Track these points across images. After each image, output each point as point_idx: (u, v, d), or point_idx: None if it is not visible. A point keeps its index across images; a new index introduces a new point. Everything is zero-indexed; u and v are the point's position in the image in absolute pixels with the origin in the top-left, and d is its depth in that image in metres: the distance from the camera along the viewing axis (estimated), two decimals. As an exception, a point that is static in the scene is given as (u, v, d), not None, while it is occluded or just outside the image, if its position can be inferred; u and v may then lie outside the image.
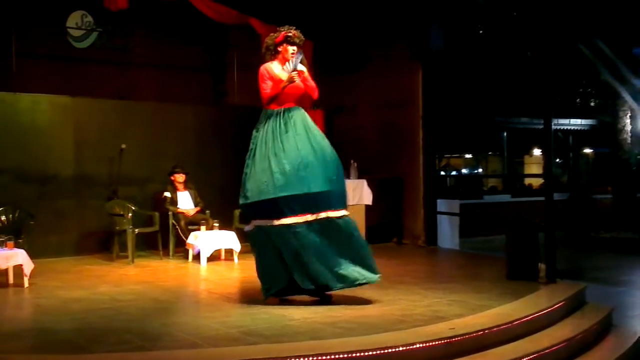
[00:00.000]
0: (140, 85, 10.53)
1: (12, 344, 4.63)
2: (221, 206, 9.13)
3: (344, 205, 5.70)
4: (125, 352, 4.38)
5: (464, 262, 8.73)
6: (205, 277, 7.63)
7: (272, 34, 5.93)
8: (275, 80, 5.74)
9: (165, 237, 8.73)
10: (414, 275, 7.46)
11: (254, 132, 5.84)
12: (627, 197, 12.62)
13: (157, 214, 8.76)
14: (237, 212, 9.03)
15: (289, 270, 5.64)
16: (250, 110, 10.23)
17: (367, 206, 9.64)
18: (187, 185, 9.09)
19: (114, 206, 8.81)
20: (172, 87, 10.68)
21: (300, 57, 5.79)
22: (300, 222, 5.50)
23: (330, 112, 10.91)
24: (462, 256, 9.29)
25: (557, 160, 17.63)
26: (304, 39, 5.91)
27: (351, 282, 5.67)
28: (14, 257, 6.65)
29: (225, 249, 8.53)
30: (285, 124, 5.67)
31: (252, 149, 5.76)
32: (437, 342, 4.54)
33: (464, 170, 22.47)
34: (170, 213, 8.74)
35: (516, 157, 19.38)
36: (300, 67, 5.80)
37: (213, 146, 9.91)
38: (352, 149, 10.45)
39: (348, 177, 9.67)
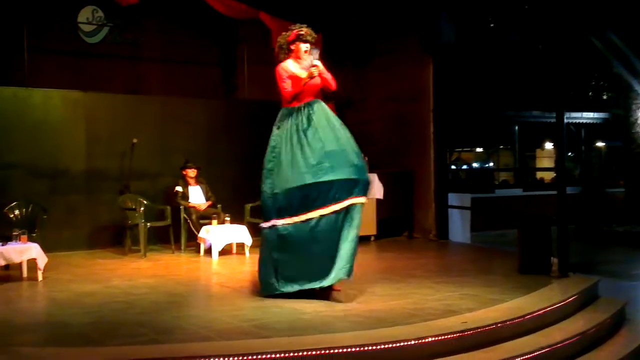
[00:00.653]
0: (151, 79, 10.55)
1: (26, 337, 4.67)
2: (232, 200, 9.15)
3: (365, 193, 5.77)
4: (138, 345, 4.41)
5: (475, 256, 8.70)
6: (216, 270, 7.66)
7: (284, 33, 6.00)
8: (294, 78, 5.81)
9: (177, 231, 8.76)
10: (425, 269, 7.45)
11: (274, 130, 5.90)
12: (640, 191, 12.53)
13: (168, 208, 8.80)
14: (248, 206, 9.05)
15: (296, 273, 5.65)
16: (261, 105, 10.31)
17: (378, 200, 9.64)
18: (198, 179, 9.12)
19: (126, 200, 8.85)
20: (183, 82, 10.69)
21: (317, 52, 5.87)
22: (327, 214, 5.54)
23: (341, 106, 10.89)
24: (473, 250, 9.26)
25: (569, 153, 17.52)
26: (315, 35, 5.97)
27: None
28: (28, 251, 6.70)
29: (236, 243, 8.55)
30: (308, 119, 5.75)
31: (274, 147, 5.82)
32: (449, 336, 4.53)
33: (475, 164, 22.37)
34: (181, 207, 8.77)
35: (528, 151, 19.27)
36: (315, 61, 5.86)
37: (223, 140, 9.93)
38: (362, 142, 10.30)
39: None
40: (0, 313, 4.72)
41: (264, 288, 5.81)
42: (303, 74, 5.82)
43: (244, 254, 8.37)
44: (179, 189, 8.92)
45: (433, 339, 4.46)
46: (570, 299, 5.78)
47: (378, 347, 4.28)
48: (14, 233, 6.81)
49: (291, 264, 5.65)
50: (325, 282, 5.57)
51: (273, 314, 5.19)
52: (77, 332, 4.78)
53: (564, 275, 6.68)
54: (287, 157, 5.69)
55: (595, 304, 6.17)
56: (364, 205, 5.74)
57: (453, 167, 18.24)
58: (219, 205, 8.97)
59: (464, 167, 21.16)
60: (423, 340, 4.42)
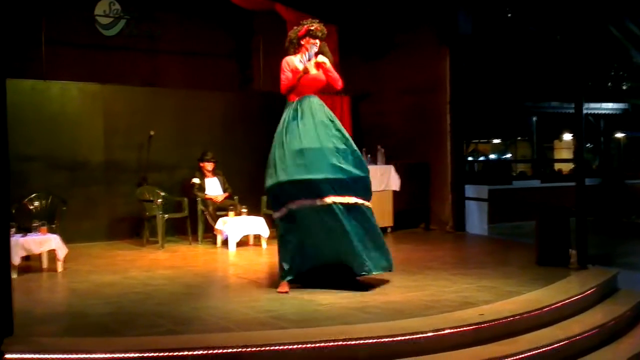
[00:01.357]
0: (168, 72, 10.60)
1: (46, 327, 4.73)
2: (249, 192, 9.17)
3: (353, 193, 5.66)
4: (156, 335, 4.44)
5: (492, 248, 8.66)
6: (233, 262, 7.69)
7: (295, 28, 6.01)
8: (295, 72, 5.81)
9: (194, 222, 8.81)
10: (442, 261, 7.43)
11: (280, 122, 5.91)
12: (660, 182, 12.38)
13: (186, 199, 8.85)
14: (264, 197, 9.06)
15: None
16: (276, 97, 10.24)
17: (394, 192, 9.63)
18: (215, 171, 9.15)
19: (143, 192, 8.91)
20: (199, 74, 10.73)
21: (315, 48, 5.83)
22: (307, 205, 5.56)
23: (357, 98, 10.87)
24: (490, 242, 9.22)
25: (588, 145, 17.35)
26: (326, 32, 5.96)
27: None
28: (48, 242, 6.78)
29: (253, 235, 8.58)
30: (295, 112, 5.76)
31: (277, 139, 5.84)
32: (466, 328, 4.52)
33: (492, 156, 22.25)
34: (198, 199, 8.81)
35: (546, 142, 19.13)
36: (322, 58, 5.85)
37: (240, 132, 9.95)
38: (379, 134, 10.43)
39: (375, 162, 9.67)
40: (20, 303, 4.77)
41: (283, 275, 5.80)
42: (303, 67, 5.82)
43: (260, 245, 8.40)
44: (196, 180, 8.96)
45: (450, 330, 4.45)
46: (589, 291, 5.73)
47: (395, 338, 4.28)
48: (34, 224, 6.89)
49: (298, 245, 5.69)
50: None
51: (290, 305, 5.20)
52: (96, 322, 4.83)
53: (582, 268, 6.63)
54: (276, 150, 5.73)
55: (614, 296, 6.12)
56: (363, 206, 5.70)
57: (470, 158, 18.16)
58: (235, 197, 9.00)
59: (481, 158, 21.05)
60: (440, 332, 4.41)
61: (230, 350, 4.00)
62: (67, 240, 7.10)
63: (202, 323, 4.74)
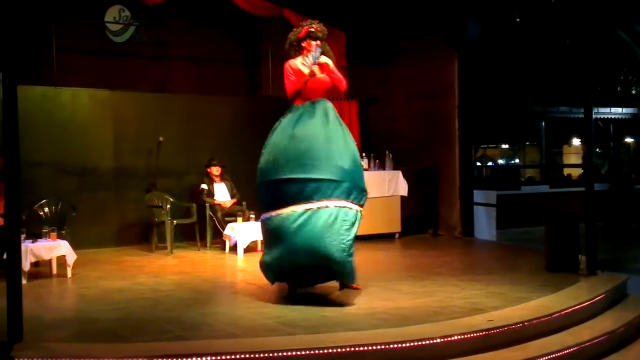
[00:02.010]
0: (177, 78, 10.65)
1: (55, 333, 4.75)
2: (257, 197, 9.17)
3: (354, 199, 5.46)
4: (165, 341, 4.45)
5: (501, 254, 8.63)
6: (242, 268, 7.70)
7: (294, 30, 5.89)
8: (299, 76, 5.71)
9: (202, 228, 8.84)
10: (450, 267, 7.42)
11: (276, 123, 5.79)
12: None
13: (194, 205, 8.87)
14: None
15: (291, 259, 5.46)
16: (284, 102, 10.26)
17: (402, 197, 9.62)
18: (223, 177, 9.18)
19: (152, 198, 8.95)
20: (208, 80, 10.77)
21: (320, 49, 5.72)
22: (299, 211, 5.34)
23: (365, 103, 10.88)
24: (499, 248, 9.19)
25: (597, 149, 17.27)
26: (327, 32, 5.85)
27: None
28: (57, 248, 6.82)
29: (261, 240, 8.56)
30: (306, 114, 5.62)
31: (268, 137, 5.75)
32: (475, 334, 4.51)
33: (500, 161, 22.19)
34: (207, 205, 8.84)
35: (554, 147, 19.06)
36: (325, 59, 5.76)
37: (248, 138, 9.93)
38: (387, 139, 10.42)
39: (383, 168, 9.67)
40: (30, 309, 4.80)
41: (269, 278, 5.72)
42: (307, 70, 5.70)
43: (269, 251, 8.40)
44: (204, 186, 8.99)
45: (459, 337, 4.44)
46: (599, 297, 5.71)
47: (404, 345, 4.27)
48: (44, 230, 6.92)
49: (280, 253, 5.47)
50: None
51: (299, 311, 5.20)
52: (105, 328, 4.85)
53: (592, 273, 6.60)
54: (274, 148, 5.59)
55: (624, 302, 6.09)
56: (357, 212, 5.44)
57: (478, 163, 18.12)
58: (244, 203, 9.02)
59: (490, 163, 21.00)
60: (449, 339, 4.40)
61: (238, 356, 4.00)
62: (76, 246, 7.15)
63: (211, 329, 4.75)
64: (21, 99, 4.38)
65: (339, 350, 4.14)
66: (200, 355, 3.99)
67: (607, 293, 5.87)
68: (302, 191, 5.36)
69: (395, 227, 9.58)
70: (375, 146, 10.12)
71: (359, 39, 10.45)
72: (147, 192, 9.07)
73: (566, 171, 17.94)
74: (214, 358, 3.98)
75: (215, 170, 9.10)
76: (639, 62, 12.39)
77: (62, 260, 6.87)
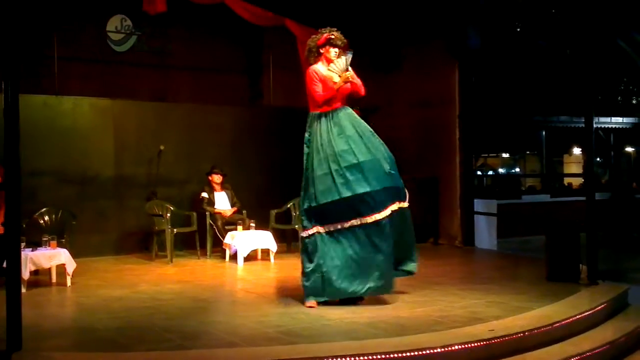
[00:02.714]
0: (178, 87, 10.67)
1: (54, 342, 4.74)
2: (258, 206, 9.20)
3: (405, 198, 5.86)
4: (164, 350, 4.44)
5: (502, 263, 8.61)
6: (242, 276, 7.69)
7: (314, 36, 5.96)
8: (325, 81, 5.75)
9: (202, 237, 8.83)
10: (451, 276, 7.40)
11: (306, 136, 5.85)
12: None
13: (194, 214, 8.87)
14: (273, 212, 9.09)
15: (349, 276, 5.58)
16: (286, 111, 10.36)
17: (403, 206, 9.59)
18: (223, 185, 9.18)
19: (153, 206, 8.95)
20: (209, 89, 10.78)
21: (350, 56, 5.84)
22: (369, 222, 5.54)
23: (367, 112, 10.88)
24: (500, 257, 9.17)
25: (598, 159, 17.27)
26: (345, 40, 5.94)
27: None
28: (57, 257, 6.81)
29: (261, 249, 8.58)
30: (337, 126, 5.69)
31: (308, 154, 5.79)
32: (476, 344, 4.50)
33: (501, 170, 22.18)
34: (207, 213, 8.83)
35: (555, 157, 19.05)
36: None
37: (249, 147, 9.99)
38: (388, 148, 10.40)
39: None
40: (29, 318, 4.79)
41: (310, 294, 5.69)
42: (335, 77, 5.77)
43: (269, 260, 8.40)
44: (204, 195, 8.99)
45: (459, 346, 4.43)
46: (599, 307, 5.69)
47: (404, 354, 4.26)
48: (44, 239, 6.92)
49: (335, 269, 5.57)
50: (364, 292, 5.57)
51: (299, 320, 5.19)
52: (104, 337, 4.84)
53: (592, 283, 6.59)
54: (320, 167, 5.64)
55: (625, 312, 6.08)
56: (408, 210, 5.85)
57: (479, 172, 18.10)
58: (244, 211, 9.02)
59: (490, 172, 20.99)
60: (449, 348, 4.39)
61: (238, 366, 3.99)
62: (76, 254, 7.14)
63: (210, 338, 4.74)
64: (22, 108, 4.38)
65: (340, 359, 4.12)
66: (200, 365, 3.98)
67: (608, 303, 5.85)
68: (362, 204, 5.55)
69: (396, 236, 9.55)
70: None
71: (361, 47, 10.47)
72: (148, 200, 9.07)
73: (567, 180, 17.93)
74: (213, 367, 3.97)
75: (217, 178, 9.11)
76: (639, 71, 12.40)
77: (61, 268, 6.87)
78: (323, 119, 5.74)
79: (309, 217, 5.71)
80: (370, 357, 4.17)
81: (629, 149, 18.60)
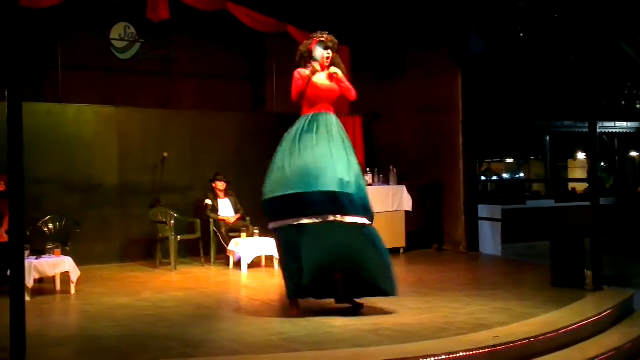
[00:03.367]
0: (182, 94, 10.69)
1: (58, 350, 4.73)
2: (261, 213, 9.10)
3: (360, 213, 5.51)
4: (168, 358, 4.43)
5: (506, 269, 8.58)
6: (246, 283, 7.68)
7: (305, 42, 5.94)
8: (305, 80, 5.69)
9: (206, 244, 8.83)
10: (455, 282, 7.37)
11: (285, 134, 5.80)
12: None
13: (198, 221, 8.87)
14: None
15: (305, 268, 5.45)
16: (289, 117, 10.27)
17: (407, 212, 9.60)
18: (227, 192, 9.18)
19: (156, 214, 8.95)
20: (212, 96, 10.81)
21: (322, 45, 5.72)
22: (311, 223, 5.42)
23: (369, 118, 10.89)
24: (504, 263, 9.14)
25: (602, 164, 17.23)
26: (337, 42, 5.86)
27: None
28: (61, 265, 6.81)
29: (265, 256, 8.57)
30: (309, 125, 5.62)
31: (277, 148, 5.77)
32: (480, 351, 4.47)
33: (505, 175, 22.15)
34: (211, 220, 8.83)
35: (559, 162, 19.01)
36: (334, 69, 5.77)
37: (253, 153, 9.97)
38: (391, 154, 10.43)
39: (387, 182, 9.66)
40: (33, 326, 4.79)
41: (288, 290, 5.67)
42: (318, 79, 5.70)
43: (273, 266, 8.38)
44: (208, 202, 8.99)
45: (464, 353, 4.40)
46: (605, 313, 5.66)
47: (408, 361, 4.24)
48: (48, 247, 6.92)
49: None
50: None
51: (302, 327, 5.18)
52: (108, 345, 4.83)
53: (598, 289, 6.55)
54: (279, 160, 5.64)
55: (631, 318, 6.04)
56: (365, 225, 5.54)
57: (483, 178, 18.08)
58: (248, 218, 9.01)
59: (494, 178, 20.95)
60: (454, 355, 4.36)
61: (242, 374, 3.98)
62: (80, 262, 7.14)
63: (214, 346, 4.72)
64: (26, 116, 4.39)
65: (343, 367, 4.11)
66: (204, 373, 3.97)
67: (613, 309, 5.82)
68: (314, 204, 5.39)
69: (400, 242, 9.55)
70: (379, 161, 10.12)
71: (363, 53, 10.48)
72: (152, 207, 9.07)
73: (571, 185, 17.89)
74: (217, 375, 3.96)
75: (221, 185, 9.11)
76: (643, 76, 12.38)
77: (65, 276, 6.86)
78: (305, 119, 5.69)
79: (265, 210, 5.72)
80: (374, 365, 4.16)
81: (634, 154, 18.57)
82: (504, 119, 13.51)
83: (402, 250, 9.59)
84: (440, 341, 4.69)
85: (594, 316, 5.49)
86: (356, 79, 10.31)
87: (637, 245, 11.19)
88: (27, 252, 6.42)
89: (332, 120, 5.70)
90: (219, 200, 9.08)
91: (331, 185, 5.39)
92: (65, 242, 7.60)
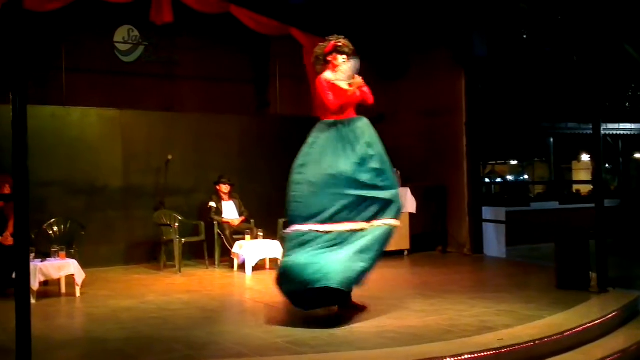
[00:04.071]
0: (185, 96, 10.71)
1: (64, 353, 4.75)
2: (265, 215, 9.19)
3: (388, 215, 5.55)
4: (173, 361, 4.44)
5: (511, 271, 8.57)
6: (250, 286, 7.68)
7: (320, 44, 5.94)
8: (335, 89, 5.71)
9: (211, 246, 8.83)
10: (460, 285, 7.37)
11: (310, 139, 5.75)
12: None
13: (202, 223, 8.88)
14: (281, 221, 9.04)
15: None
16: (292, 120, 10.37)
17: (411, 215, 9.58)
18: (231, 195, 9.19)
19: (161, 216, 8.96)
20: (216, 98, 10.82)
21: (357, 62, 5.80)
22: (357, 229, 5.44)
23: (373, 120, 10.87)
24: (509, 265, 9.12)
25: (607, 165, 17.19)
26: (353, 47, 5.90)
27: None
28: (66, 267, 6.82)
29: (270, 258, 8.57)
30: (354, 133, 5.67)
31: (308, 153, 5.68)
32: (485, 353, 4.46)
33: (509, 177, 22.12)
34: (215, 223, 8.84)
35: (563, 163, 18.99)
36: (358, 78, 5.83)
37: (257, 156, 10.00)
38: (394, 156, 10.25)
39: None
40: (38, 329, 4.80)
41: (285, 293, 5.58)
42: (343, 84, 5.72)
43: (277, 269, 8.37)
44: (212, 204, 8.99)
45: (469, 356, 4.40)
46: (610, 315, 5.65)
47: (413, 364, 4.23)
48: (53, 249, 6.94)
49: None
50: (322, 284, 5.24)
51: (307, 330, 5.17)
52: (113, 347, 4.84)
53: (603, 291, 6.53)
54: (330, 163, 5.53)
55: (636, 320, 6.02)
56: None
57: (487, 180, 18.06)
58: (252, 221, 9.02)
59: (498, 180, 20.92)
60: (459, 357, 4.36)
61: (246, 376, 3.98)
62: (85, 264, 7.15)
63: (218, 348, 4.73)
64: (30, 119, 4.39)
65: (348, 369, 4.11)
66: (209, 375, 3.97)
67: (619, 311, 5.81)
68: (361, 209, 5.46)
69: (404, 244, 9.54)
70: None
71: (366, 55, 10.47)
72: (156, 210, 9.08)
73: (575, 187, 17.85)
74: (222, 378, 3.95)
75: (225, 188, 9.11)
76: (647, 77, 12.36)
77: (71, 279, 6.88)
78: (339, 126, 5.68)
79: (294, 213, 5.59)
80: (379, 367, 4.15)
81: (638, 155, 18.51)
82: (507, 120, 13.49)
83: (406, 253, 9.58)
84: (445, 343, 4.68)
85: (599, 318, 5.47)
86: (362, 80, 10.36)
87: (642, 247, 11.15)
88: (32, 255, 6.45)
89: (370, 125, 5.83)
90: (223, 203, 9.09)
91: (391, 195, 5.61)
92: (70, 245, 7.62)
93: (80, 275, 6.85)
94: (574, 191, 17.44)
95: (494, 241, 9.84)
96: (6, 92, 4.46)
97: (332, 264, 5.21)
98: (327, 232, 5.39)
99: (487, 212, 9.99)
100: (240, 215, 9.11)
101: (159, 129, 9.45)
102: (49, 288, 7.08)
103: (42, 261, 6.71)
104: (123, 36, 10.40)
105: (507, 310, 5.81)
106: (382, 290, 6.76)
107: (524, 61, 13.86)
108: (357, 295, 5.80)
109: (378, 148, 5.72)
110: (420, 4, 9.62)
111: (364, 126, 5.74)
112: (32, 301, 5.89)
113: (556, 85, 14.14)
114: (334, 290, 5.21)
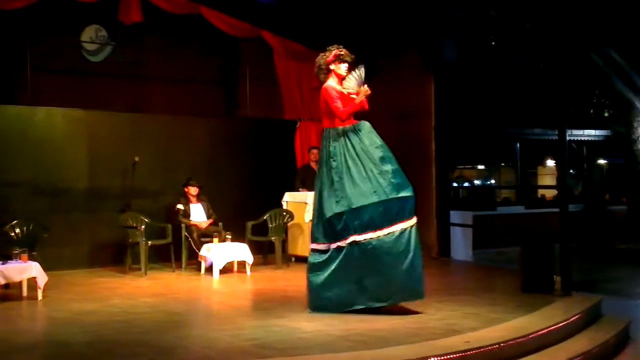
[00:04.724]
0: (153, 98, 10.57)
1: (24, 357, 4.65)
2: (234, 218, 9.13)
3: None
4: (138, 365, 4.38)
5: (477, 275, 8.66)
6: (217, 289, 7.62)
7: (322, 54, 6.15)
8: (344, 97, 5.98)
9: (178, 249, 8.73)
10: (427, 288, 7.38)
11: (331, 150, 5.98)
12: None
13: (169, 226, 8.78)
14: (249, 224, 9.03)
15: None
16: (262, 122, 10.34)
17: (379, 218, 9.60)
18: (199, 197, 9.11)
19: (127, 218, 8.82)
20: (185, 100, 10.72)
21: (363, 70, 6.17)
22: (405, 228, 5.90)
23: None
24: (475, 268, 9.22)
25: (571, 171, 17.51)
26: (353, 56, 6.16)
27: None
28: (28, 270, 6.67)
29: (237, 261, 8.52)
30: (367, 138, 6.00)
31: (336, 167, 5.92)
32: (451, 356, 4.49)
33: (476, 182, 22.38)
34: (183, 225, 8.75)
35: (529, 168, 19.28)
36: (365, 88, 6.11)
37: (225, 158, 9.94)
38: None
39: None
40: (-1, 332, 4.71)
41: (336, 306, 5.79)
42: (349, 92, 6.00)
43: (245, 272, 8.34)
44: (180, 206, 8.90)
45: (436, 358, 4.41)
46: (574, 317, 5.74)
47: (380, 367, 4.24)
48: (15, 252, 6.78)
49: (375, 278, 5.75)
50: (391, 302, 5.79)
51: (274, 333, 5.16)
52: (76, 351, 4.75)
53: (566, 294, 6.63)
54: (358, 173, 5.85)
55: (599, 322, 6.13)
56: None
57: (455, 184, 18.24)
58: (220, 223, 8.94)
59: (466, 184, 21.15)
60: (425, 360, 4.38)
61: (212, 380, 3.94)
62: (48, 267, 7.01)
63: (185, 352, 4.67)
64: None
65: (315, 373, 4.10)
66: (174, 379, 3.92)
67: (582, 313, 5.90)
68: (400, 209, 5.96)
69: (372, 247, 9.55)
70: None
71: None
72: (122, 212, 8.95)
73: (540, 192, 18.15)
74: (187, 382, 3.91)
75: (193, 190, 9.03)
76: (611, 85, 12.64)
77: (32, 282, 6.72)
78: (351, 133, 5.97)
79: (339, 227, 5.83)
80: (346, 370, 4.15)
81: (601, 161, 18.91)
82: (475, 125, 13.67)
83: (374, 256, 9.60)
84: (411, 346, 4.70)
85: (563, 321, 5.55)
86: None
87: (605, 251, 11.39)
88: (-7, 257, 6.31)
89: (372, 127, 6.11)
90: (191, 205, 9.00)
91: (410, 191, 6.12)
92: (32, 247, 7.45)
93: (42, 278, 6.72)
94: (539, 196, 17.74)
95: (461, 245, 9.94)
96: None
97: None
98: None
99: (455, 216, 10.08)
100: (208, 217, 9.04)
101: (126, 130, 9.33)
102: (10, 291, 6.91)
103: (3, 263, 6.56)
104: (90, 36, 10.26)
105: (473, 313, 5.86)
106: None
107: (492, 67, 14.06)
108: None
109: (387, 149, 6.05)
110: (390, 9, 9.67)
111: (370, 131, 6.05)
112: (-7, 304, 5.78)
113: (523, 91, 14.38)
114: None
